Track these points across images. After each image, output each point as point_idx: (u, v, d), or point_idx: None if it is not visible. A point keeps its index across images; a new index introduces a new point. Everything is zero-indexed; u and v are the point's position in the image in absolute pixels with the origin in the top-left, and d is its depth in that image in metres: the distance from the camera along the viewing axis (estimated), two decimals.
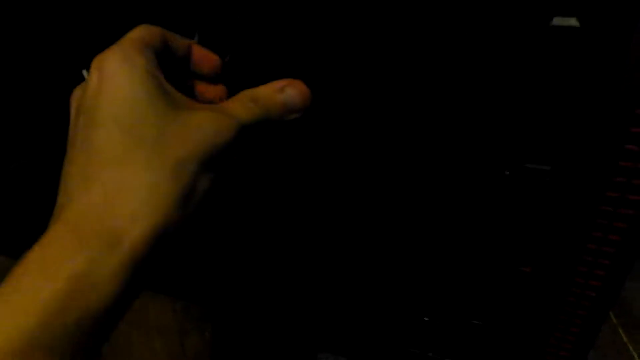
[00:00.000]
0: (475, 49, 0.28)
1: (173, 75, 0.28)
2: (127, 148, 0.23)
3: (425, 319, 0.44)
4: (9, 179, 0.54)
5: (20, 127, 0.50)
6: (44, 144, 0.50)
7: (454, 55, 0.29)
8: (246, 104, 0.27)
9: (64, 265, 0.21)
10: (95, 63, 0.25)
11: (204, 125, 0.25)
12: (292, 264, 0.45)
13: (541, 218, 0.33)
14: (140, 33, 0.27)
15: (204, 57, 0.30)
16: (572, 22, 0.25)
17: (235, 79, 0.32)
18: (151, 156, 0.24)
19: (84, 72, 0.43)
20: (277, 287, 0.48)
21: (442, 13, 0.27)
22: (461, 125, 0.31)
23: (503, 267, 0.36)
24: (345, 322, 0.47)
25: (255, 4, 0.35)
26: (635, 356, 0.51)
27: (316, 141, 0.37)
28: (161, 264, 0.25)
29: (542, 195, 0.32)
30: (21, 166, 0.52)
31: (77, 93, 0.27)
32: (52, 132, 0.48)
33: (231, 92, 0.31)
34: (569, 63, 0.27)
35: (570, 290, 0.35)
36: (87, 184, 0.23)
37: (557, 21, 0.25)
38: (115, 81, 0.24)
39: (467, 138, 0.32)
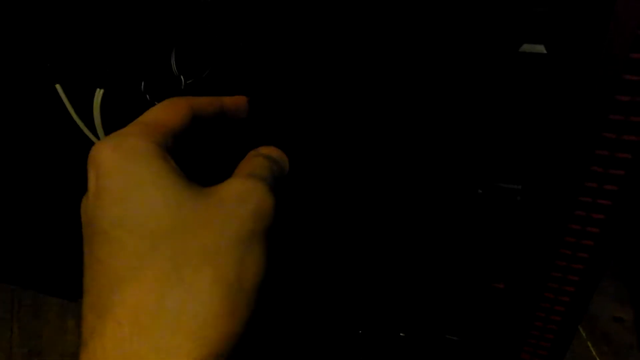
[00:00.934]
0: (449, 72, 0.29)
1: (205, 138, 0.26)
2: (138, 257, 0.18)
3: (401, 334, 0.44)
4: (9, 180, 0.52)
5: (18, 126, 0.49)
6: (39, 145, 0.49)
7: (427, 78, 0.30)
8: (262, 162, 0.24)
9: None
10: (89, 160, 0.21)
11: (229, 199, 0.20)
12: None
13: (513, 235, 0.34)
14: (152, 115, 0.23)
15: (236, 105, 0.28)
16: (540, 48, 0.26)
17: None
18: (171, 258, 0.18)
19: (57, 87, 0.42)
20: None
21: (417, 38, 0.28)
22: (435, 144, 0.32)
23: (477, 283, 0.36)
24: (321, 338, 0.47)
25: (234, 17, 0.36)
26: None
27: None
28: None
29: (514, 213, 0.33)
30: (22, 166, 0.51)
31: (84, 203, 0.21)
32: (47, 133, 0.47)
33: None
34: (537, 86, 0.28)
35: (540, 305, 0.36)
36: (101, 320, 0.18)
37: (526, 48, 0.27)
38: (112, 178, 0.19)
39: (440, 157, 0.33)
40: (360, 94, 0.32)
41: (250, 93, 0.37)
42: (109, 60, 0.40)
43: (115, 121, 0.41)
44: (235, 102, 0.28)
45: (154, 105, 0.42)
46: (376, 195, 0.36)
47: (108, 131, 0.40)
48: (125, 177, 0.19)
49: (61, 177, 0.46)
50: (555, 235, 0.31)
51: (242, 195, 0.20)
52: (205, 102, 0.25)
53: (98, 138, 0.41)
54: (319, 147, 0.36)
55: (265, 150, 0.26)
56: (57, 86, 0.41)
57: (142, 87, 0.41)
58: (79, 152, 0.43)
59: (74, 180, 0.39)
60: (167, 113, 0.23)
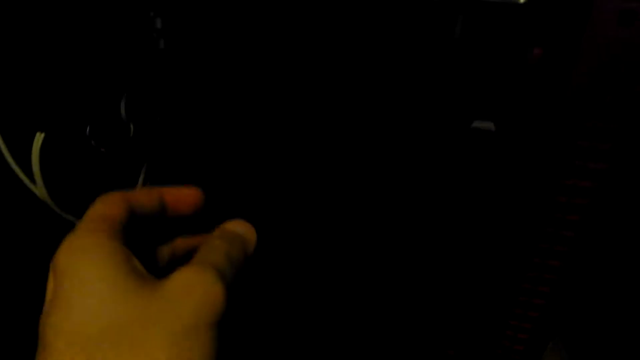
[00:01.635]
0: (403, 147, 0.29)
1: (146, 236, 0.24)
2: None
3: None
4: None
5: None
6: None
7: (389, 152, 0.30)
8: (219, 245, 0.23)
9: None
10: (52, 263, 0.21)
11: (172, 292, 0.19)
12: None
13: (464, 307, 0.34)
14: (97, 210, 0.22)
15: (180, 199, 0.26)
16: (489, 125, 0.27)
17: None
18: None
19: None
20: None
21: (382, 113, 0.29)
22: (394, 213, 0.32)
23: (429, 350, 0.36)
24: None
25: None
26: None
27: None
28: None
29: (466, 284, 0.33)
30: None
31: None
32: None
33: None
34: (485, 159, 0.28)
35: None
36: None
37: (477, 124, 0.27)
38: (62, 284, 0.19)
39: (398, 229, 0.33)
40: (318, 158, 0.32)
41: (201, 142, 0.36)
42: (51, 103, 0.38)
43: (55, 167, 0.38)
44: (177, 196, 0.26)
45: (99, 151, 0.41)
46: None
47: (47, 178, 0.38)
48: (73, 281, 0.19)
49: None
50: (507, 299, 0.32)
51: (186, 288, 0.20)
52: (142, 198, 0.24)
53: (35, 185, 0.38)
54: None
55: (230, 226, 0.25)
56: None
57: (88, 131, 0.39)
58: (14, 200, 0.40)
59: (6, 234, 0.37)
60: (108, 207, 0.22)
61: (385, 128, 0.30)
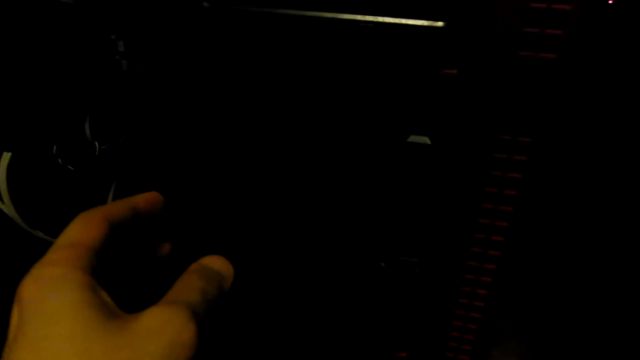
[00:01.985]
0: (346, 161, 0.31)
1: (122, 247, 0.24)
2: None
3: None
4: None
5: None
6: None
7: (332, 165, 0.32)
8: (194, 282, 0.23)
9: None
10: (15, 296, 0.20)
11: (141, 333, 0.19)
12: None
13: (412, 302, 0.35)
14: (70, 236, 0.22)
15: (149, 203, 0.26)
16: (425, 140, 0.29)
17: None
18: None
19: None
20: None
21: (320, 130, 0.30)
22: (345, 225, 0.34)
23: (380, 353, 0.38)
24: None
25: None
26: None
27: None
28: None
29: (413, 283, 0.35)
30: None
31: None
32: None
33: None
34: (421, 171, 0.30)
35: None
36: None
37: (413, 138, 0.29)
38: (29, 319, 0.19)
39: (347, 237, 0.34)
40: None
41: (168, 158, 0.38)
42: (18, 122, 0.40)
43: (23, 186, 0.40)
44: (147, 200, 0.26)
45: (67, 169, 0.42)
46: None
47: (15, 197, 0.39)
48: (38, 317, 0.19)
49: None
50: (449, 298, 0.34)
51: (157, 328, 0.19)
52: (118, 209, 0.24)
53: (3, 203, 0.39)
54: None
55: (207, 261, 0.25)
56: None
57: (54, 151, 0.40)
58: None
59: None
60: (85, 231, 0.22)
61: (335, 142, 0.31)
